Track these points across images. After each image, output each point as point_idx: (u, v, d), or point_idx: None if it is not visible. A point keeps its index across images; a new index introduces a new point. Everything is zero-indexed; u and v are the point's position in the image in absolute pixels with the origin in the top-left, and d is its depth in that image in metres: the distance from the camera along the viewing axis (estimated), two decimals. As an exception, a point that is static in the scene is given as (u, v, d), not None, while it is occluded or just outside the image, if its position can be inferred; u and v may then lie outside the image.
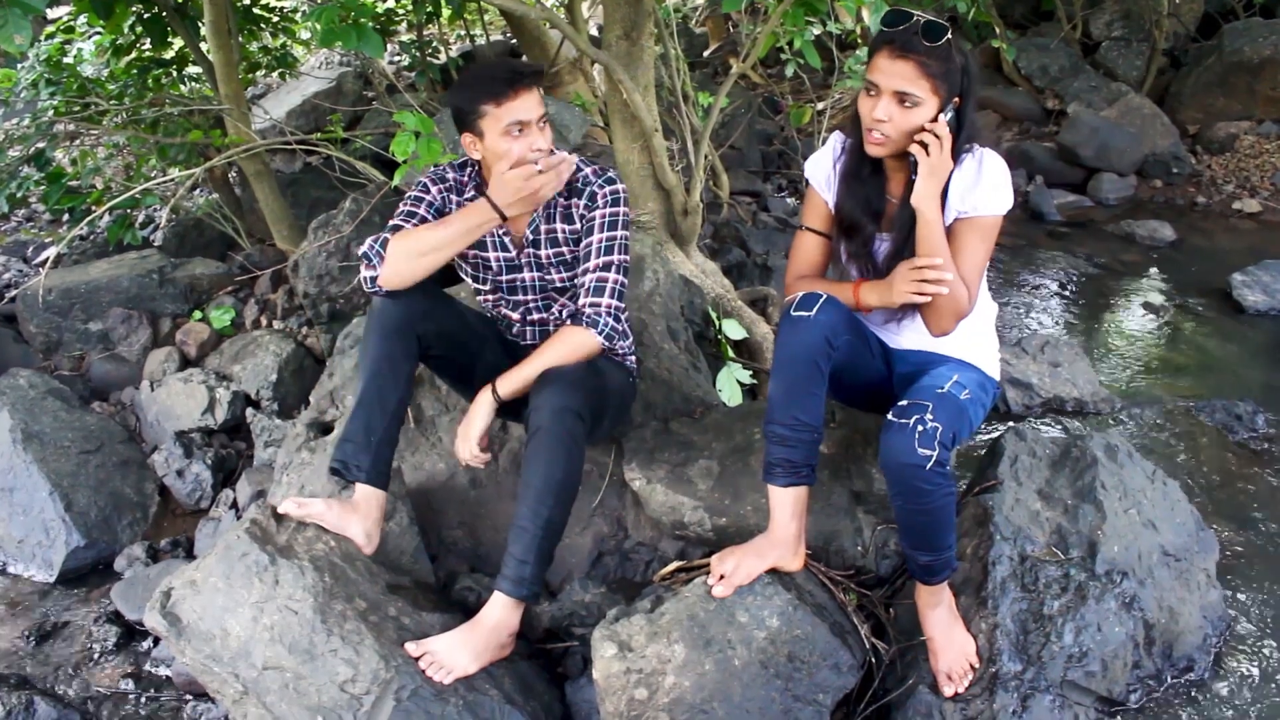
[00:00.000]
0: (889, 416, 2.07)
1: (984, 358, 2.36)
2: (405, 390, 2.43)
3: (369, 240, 2.37)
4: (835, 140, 2.37)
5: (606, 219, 2.42)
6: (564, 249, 2.50)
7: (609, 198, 2.43)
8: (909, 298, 2.17)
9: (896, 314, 2.34)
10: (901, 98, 2.06)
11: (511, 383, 2.37)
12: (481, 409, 2.39)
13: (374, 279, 2.35)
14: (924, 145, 2.08)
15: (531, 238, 2.49)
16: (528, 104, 2.29)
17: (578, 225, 2.47)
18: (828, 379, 2.19)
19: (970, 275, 2.18)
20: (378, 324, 2.39)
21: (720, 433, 2.72)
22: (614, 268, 2.41)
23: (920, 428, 2.01)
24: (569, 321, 2.44)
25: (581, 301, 2.41)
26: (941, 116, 2.08)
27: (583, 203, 2.45)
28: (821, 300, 2.16)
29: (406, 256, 2.34)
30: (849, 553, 2.46)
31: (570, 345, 2.38)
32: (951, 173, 2.15)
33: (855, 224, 2.30)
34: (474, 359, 2.56)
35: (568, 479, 2.27)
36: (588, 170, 2.46)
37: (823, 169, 2.38)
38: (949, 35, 2.02)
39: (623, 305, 2.43)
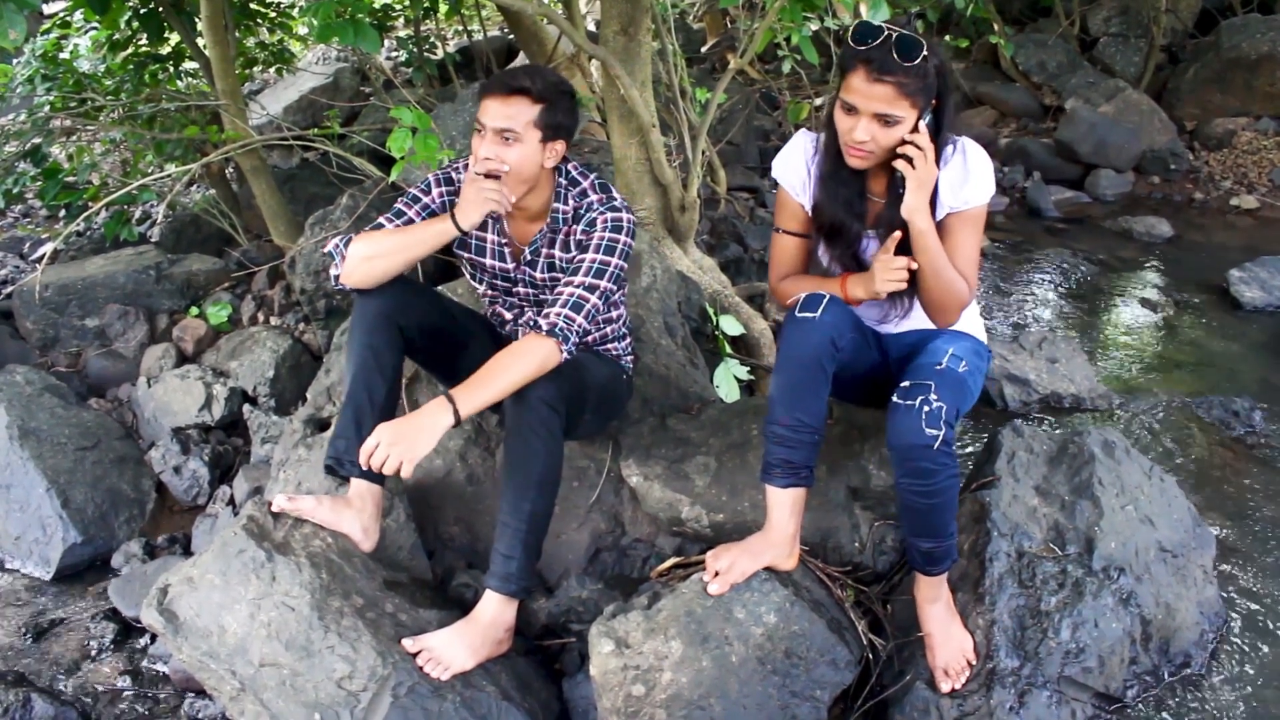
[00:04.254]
0: (894, 399, 2.08)
1: (971, 325, 2.39)
2: (392, 383, 2.42)
3: (336, 239, 2.39)
4: (804, 140, 2.36)
5: (604, 242, 2.36)
6: (559, 274, 2.48)
7: (610, 223, 2.37)
8: (891, 286, 2.18)
9: (893, 314, 2.36)
10: (882, 118, 2.06)
11: (473, 402, 2.18)
12: (437, 427, 2.15)
13: (337, 276, 2.38)
14: (909, 159, 2.08)
15: (530, 257, 2.49)
16: (492, 108, 2.27)
17: (574, 253, 2.44)
18: (831, 379, 2.19)
19: (967, 266, 2.20)
20: (360, 318, 2.40)
21: (717, 429, 2.72)
22: (598, 292, 2.33)
23: (926, 408, 2.02)
24: (532, 328, 2.28)
25: (555, 310, 2.28)
26: (921, 124, 2.08)
27: (580, 228, 2.41)
28: (826, 301, 2.16)
29: (364, 258, 2.35)
30: (846, 549, 2.46)
31: (533, 361, 2.23)
32: (939, 170, 2.16)
33: (840, 225, 2.30)
34: (459, 353, 2.56)
35: (547, 471, 2.27)
36: (594, 197, 2.42)
37: (795, 171, 2.36)
38: (924, 51, 2.00)
39: (589, 329, 2.37)
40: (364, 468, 2.17)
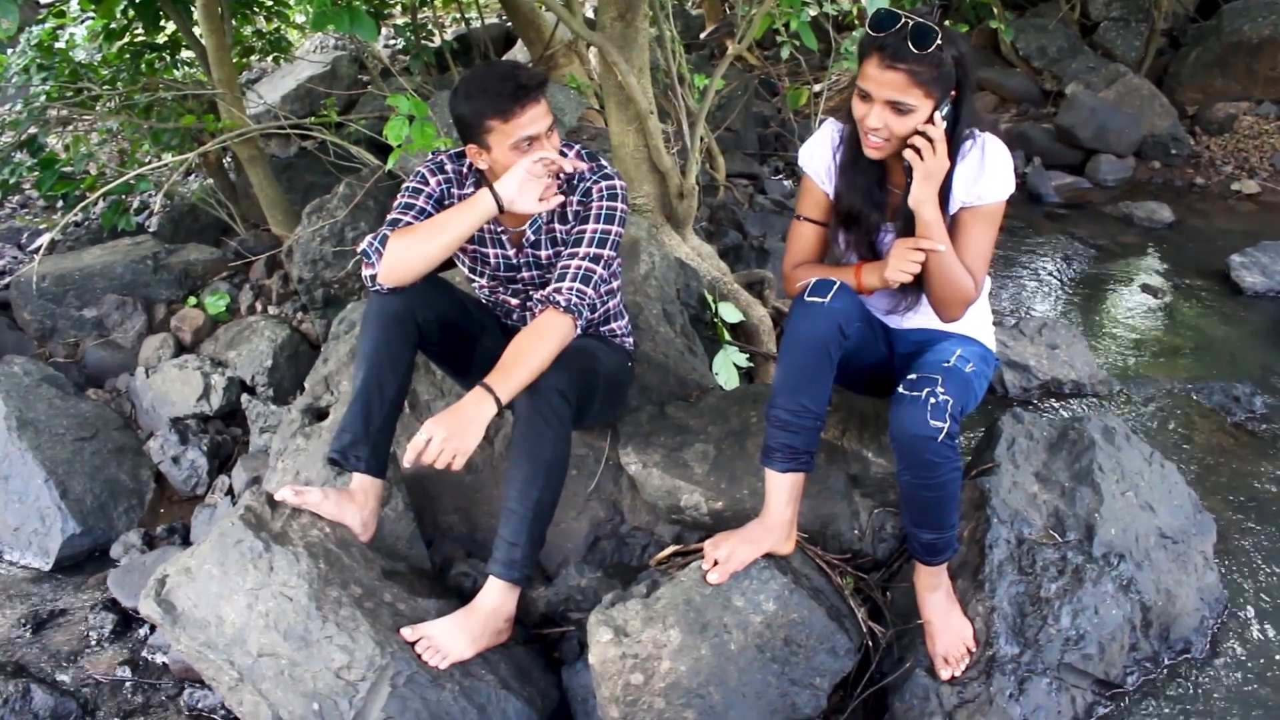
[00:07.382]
0: (900, 389, 2.07)
1: (982, 331, 2.38)
2: (404, 379, 2.41)
3: (368, 238, 2.34)
4: (830, 129, 2.35)
5: (604, 211, 2.37)
6: (563, 248, 2.46)
7: (604, 192, 2.38)
8: (902, 276, 2.16)
9: (901, 305, 2.34)
10: (895, 106, 2.04)
11: (509, 387, 2.21)
12: (483, 418, 2.17)
13: (373, 277, 2.33)
14: (917, 150, 2.07)
15: (533, 238, 2.47)
16: (535, 117, 2.24)
17: (572, 224, 2.43)
18: (836, 366, 2.19)
19: (976, 263, 2.19)
20: (376, 312, 2.37)
21: (716, 416, 2.71)
22: (602, 261, 2.35)
23: (932, 400, 2.01)
24: (543, 306, 2.32)
25: (565, 285, 2.30)
26: (937, 115, 2.06)
27: (577, 199, 2.41)
28: (836, 287, 2.15)
29: (406, 255, 2.29)
30: (845, 536, 2.46)
31: (555, 338, 2.27)
32: (955, 164, 2.14)
33: (858, 215, 2.29)
34: (472, 347, 2.55)
35: (555, 459, 2.26)
36: (584, 167, 2.41)
37: (821, 160, 2.35)
38: (938, 39, 1.98)
39: (597, 300, 2.38)
40: (410, 465, 2.17)
